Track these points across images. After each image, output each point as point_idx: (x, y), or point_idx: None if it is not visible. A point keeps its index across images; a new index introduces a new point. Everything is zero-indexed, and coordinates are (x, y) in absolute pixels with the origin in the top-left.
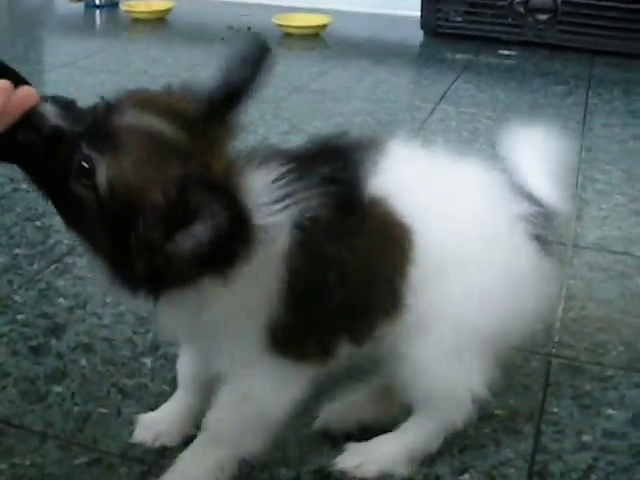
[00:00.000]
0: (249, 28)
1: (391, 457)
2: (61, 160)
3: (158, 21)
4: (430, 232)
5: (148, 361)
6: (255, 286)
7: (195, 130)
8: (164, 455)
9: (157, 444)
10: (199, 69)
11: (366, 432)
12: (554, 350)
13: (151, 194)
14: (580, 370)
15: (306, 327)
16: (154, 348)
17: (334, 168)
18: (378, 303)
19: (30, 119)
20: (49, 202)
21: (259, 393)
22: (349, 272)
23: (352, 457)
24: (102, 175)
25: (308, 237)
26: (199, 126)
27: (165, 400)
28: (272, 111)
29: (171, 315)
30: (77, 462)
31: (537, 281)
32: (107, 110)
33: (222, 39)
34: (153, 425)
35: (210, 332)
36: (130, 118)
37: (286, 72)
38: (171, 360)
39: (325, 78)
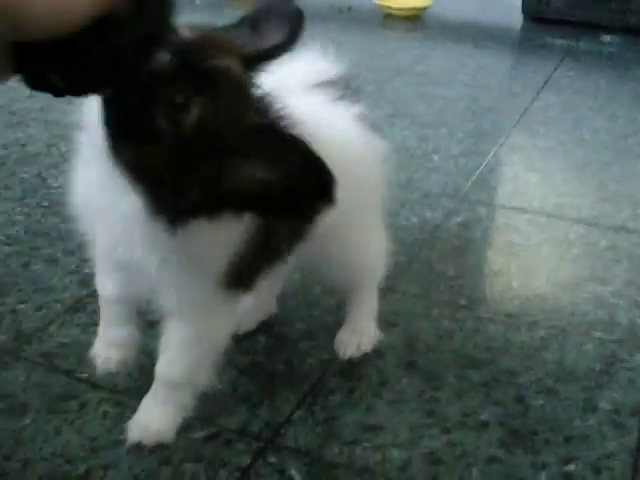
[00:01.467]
0: (350, 8)
1: None
2: (147, 86)
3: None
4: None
5: (262, 338)
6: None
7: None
8: (280, 433)
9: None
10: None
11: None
12: None
13: (231, 137)
14: None
15: (259, 260)
16: (268, 326)
17: None
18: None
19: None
20: (108, 116)
21: (208, 331)
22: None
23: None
24: (194, 113)
25: None
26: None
27: (281, 381)
28: (376, 93)
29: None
30: (195, 436)
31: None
32: (198, 49)
33: (322, 19)
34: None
35: (185, 264)
36: (221, 62)
37: (388, 54)
38: (284, 340)
39: (427, 61)
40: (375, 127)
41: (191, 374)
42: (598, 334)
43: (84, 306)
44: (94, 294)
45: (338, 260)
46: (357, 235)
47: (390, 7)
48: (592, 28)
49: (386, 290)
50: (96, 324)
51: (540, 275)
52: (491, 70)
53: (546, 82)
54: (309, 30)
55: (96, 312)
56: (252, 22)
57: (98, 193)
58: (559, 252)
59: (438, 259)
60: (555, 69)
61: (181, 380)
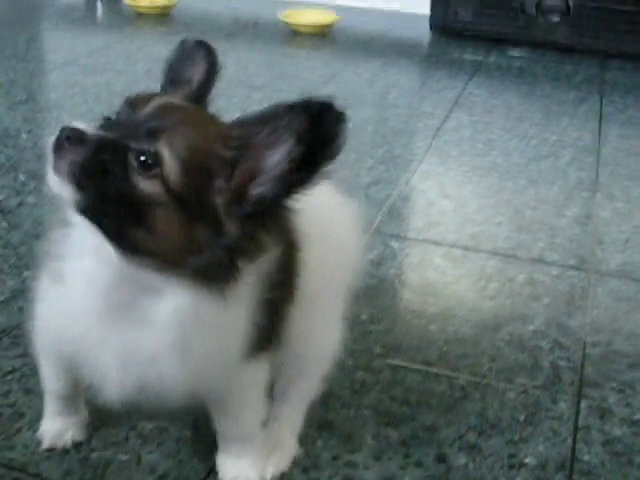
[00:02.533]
0: (255, 24)
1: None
2: (114, 168)
3: (162, 15)
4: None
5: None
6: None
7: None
8: None
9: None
10: None
11: None
12: (582, 390)
13: (220, 155)
14: (609, 413)
15: (275, 327)
16: None
17: None
18: None
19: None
20: (107, 225)
21: (252, 385)
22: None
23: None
24: (169, 158)
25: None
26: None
27: (189, 448)
28: None
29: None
30: None
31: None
32: (136, 106)
33: (227, 35)
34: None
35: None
36: (161, 101)
37: (295, 74)
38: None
39: (335, 80)
40: None
41: (254, 419)
42: (521, 380)
43: None
44: None
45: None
46: (321, 319)
47: (297, 24)
48: (500, 42)
49: None
50: None
51: (458, 316)
52: (401, 89)
53: (457, 100)
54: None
55: None
56: (171, 75)
57: (97, 324)
58: (477, 288)
59: (351, 302)
60: (465, 86)
61: (252, 429)
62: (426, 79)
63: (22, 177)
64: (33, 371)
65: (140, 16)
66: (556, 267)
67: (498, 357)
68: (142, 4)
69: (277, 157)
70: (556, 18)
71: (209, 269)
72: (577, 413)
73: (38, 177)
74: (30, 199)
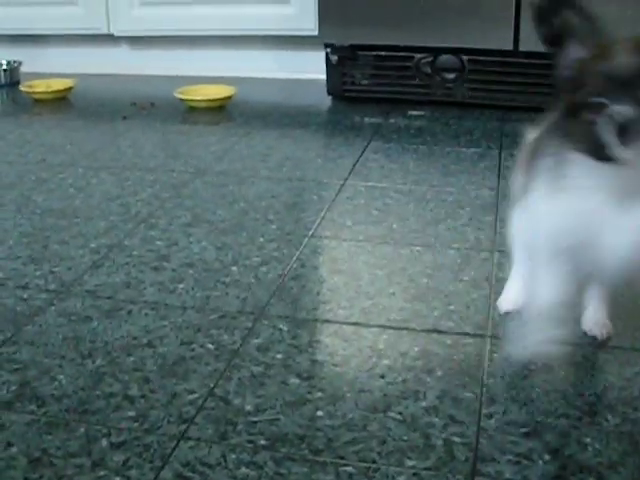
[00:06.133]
0: (152, 104)
1: None
2: None
3: (59, 100)
4: None
5: None
6: None
7: None
8: None
9: None
10: (100, 154)
11: None
12: (476, 466)
13: None
14: None
15: None
16: None
17: None
18: None
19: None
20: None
21: None
22: None
23: None
24: None
25: None
26: None
27: None
28: (173, 200)
29: None
30: None
31: None
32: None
33: (124, 118)
34: None
35: None
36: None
37: (189, 152)
38: None
39: (229, 157)
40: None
41: None
42: (412, 462)
43: None
44: None
45: None
46: None
47: (193, 100)
48: (400, 104)
49: (178, 439)
50: None
51: (347, 398)
52: (296, 161)
53: (353, 168)
54: (109, 132)
55: None
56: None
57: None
58: (368, 367)
59: (235, 392)
60: (363, 152)
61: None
62: (323, 149)
63: None
64: None
65: (37, 103)
66: (451, 335)
67: (388, 439)
68: (38, 90)
69: None
70: (451, 75)
71: None
72: None
73: None
74: None
